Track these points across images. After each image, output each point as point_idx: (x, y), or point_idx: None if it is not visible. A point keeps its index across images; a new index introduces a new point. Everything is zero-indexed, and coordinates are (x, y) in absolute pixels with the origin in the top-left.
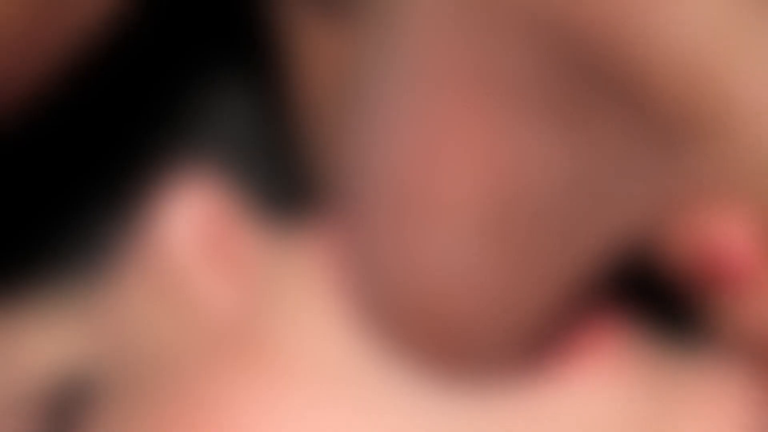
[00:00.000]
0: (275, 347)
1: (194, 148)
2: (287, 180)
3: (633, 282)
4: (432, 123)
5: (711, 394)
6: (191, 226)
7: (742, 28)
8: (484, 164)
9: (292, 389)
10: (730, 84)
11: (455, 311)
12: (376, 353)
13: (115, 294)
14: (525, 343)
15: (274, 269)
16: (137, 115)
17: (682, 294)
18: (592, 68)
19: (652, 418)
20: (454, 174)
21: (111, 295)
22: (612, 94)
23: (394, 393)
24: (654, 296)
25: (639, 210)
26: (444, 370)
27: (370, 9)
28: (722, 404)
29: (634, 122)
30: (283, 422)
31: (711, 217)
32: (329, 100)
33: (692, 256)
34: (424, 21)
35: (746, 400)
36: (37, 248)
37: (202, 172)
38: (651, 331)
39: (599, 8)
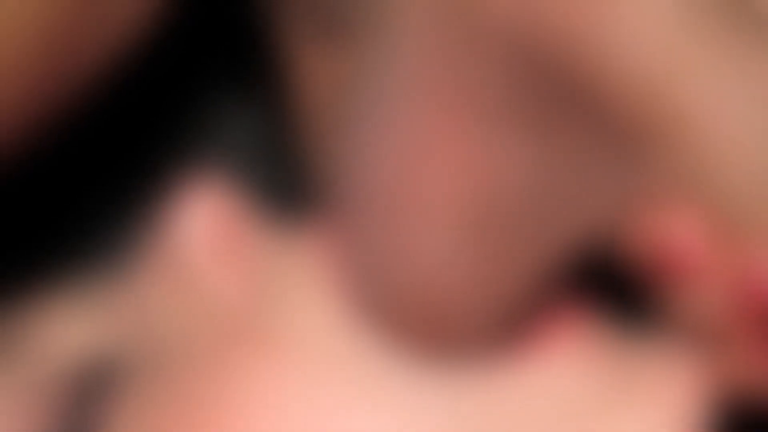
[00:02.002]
0: (277, 334)
1: (206, 157)
2: (289, 184)
3: (594, 273)
4: (419, 133)
5: (663, 372)
6: (203, 226)
7: (692, 47)
8: (464, 170)
9: (293, 372)
10: (680, 98)
11: (439, 299)
12: (368, 339)
13: (135, 286)
14: (500, 328)
15: (276, 264)
16: (157, 127)
17: (638, 284)
18: (557, 84)
19: (611, 394)
20: (438, 178)
21: (131, 287)
22: (575, 107)
23: (385, 375)
24: (613, 286)
25: (599, 210)
26: (429, 353)
27: (364, 31)
28: (673, 381)
29: (595, 132)
30: (284, 401)
31: (663, 217)
32: (327, 112)
33: (647, 251)
34: (412, 42)
35: (694, 376)
36: (67, 244)
37: (213, 178)
38: (611, 317)
39: (563, 31)
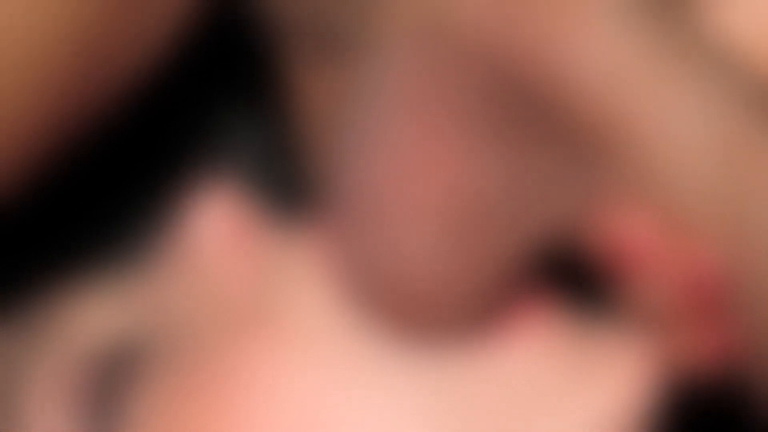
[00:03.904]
0: (280, 321)
1: (217, 164)
2: (291, 188)
3: (557, 266)
4: (404, 143)
5: (618, 354)
6: (215, 225)
7: (642, 68)
8: (443, 175)
9: (293, 354)
10: (633, 112)
11: (421, 289)
12: (361, 325)
13: (155, 279)
14: (475, 314)
15: (280, 259)
16: (175, 137)
17: (596, 276)
18: (526, 100)
19: (571, 374)
20: (420, 182)
21: (152, 280)
22: (541, 119)
23: (374, 356)
24: (574, 278)
25: (562, 210)
26: (415, 337)
27: (357, 53)
28: (627, 362)
29: (558, 141)
30: (285, 379)
31: (618, 216)
32: (324, 124)
33: (604, 246)
34: (399, 63)
35: (645, 357)
36: (94, 241)
37: (224, 183)
38: (572, 305)
39: (533, 55)
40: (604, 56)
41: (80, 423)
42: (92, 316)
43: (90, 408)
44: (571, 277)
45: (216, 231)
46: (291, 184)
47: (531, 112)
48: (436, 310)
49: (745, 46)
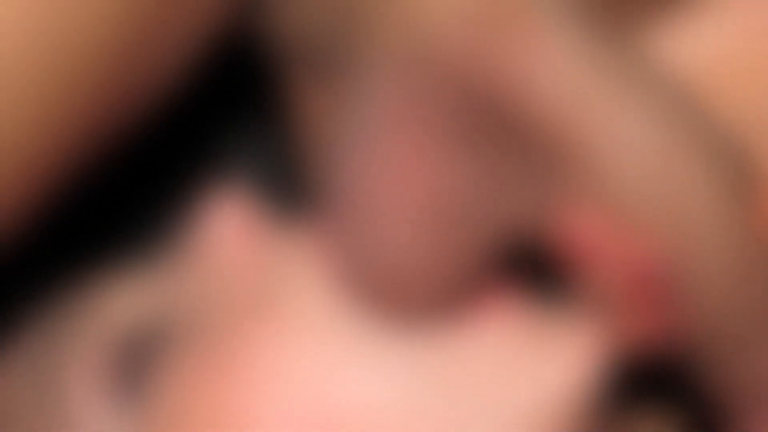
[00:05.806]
0: (283, 307)
1: (229, 170)
2: (292, 192)
3: (520, 258)
4: (388, 153)
5: (573, 336)
6: (226, 223)
7: (595, 86)
8: (421, 180)
9: (294, 337)
10: (585, 125)
11: (403, 279)
12: (352, 310)
13: (174, 270)
14: (447, 301)
15: (282, 253)
16: (194, 147)
17: (554, 267)
18: (493, 117)
19: (532, 353)
20: (402, 187)
21: (172, 271)
22: (505, 132)
23: (365, 338)
24: (535, 269)
25: (524, 209)
26: (397, 321)
27: (348, 76)
28: (581, 343)
29: (521, 150)
30: (288, 359)
31: (574, 214)
32: (322, 137)
33: (561, 241)
34: (384, 84)
35: (597, 338)
36: (123, 236)
37: (234, 186)
38: (533, 293)
39: (500, 78)
40: (561, 78)
41: (111, 399)
42: (119, 303)
43: (119, 385)
44: (532, 268)
45: (227, 229)
46: (293, 188)
47: (497, 125)
48: (415, 296)
49: (687, 70)
